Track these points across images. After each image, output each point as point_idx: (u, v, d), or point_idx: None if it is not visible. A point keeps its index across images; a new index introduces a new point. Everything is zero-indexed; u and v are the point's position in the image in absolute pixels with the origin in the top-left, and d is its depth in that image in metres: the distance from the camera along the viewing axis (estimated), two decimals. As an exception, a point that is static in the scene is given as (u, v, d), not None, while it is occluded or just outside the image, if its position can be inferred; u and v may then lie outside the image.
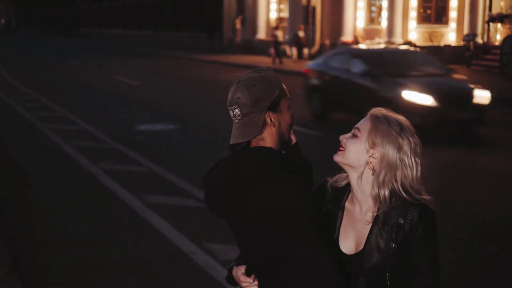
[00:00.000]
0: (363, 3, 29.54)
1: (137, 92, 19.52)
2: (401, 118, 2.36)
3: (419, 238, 2.28)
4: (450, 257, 5.94)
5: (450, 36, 27.10)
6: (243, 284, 2.41)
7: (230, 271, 2.50)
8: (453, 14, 27.06)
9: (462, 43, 25.51)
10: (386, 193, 2.29)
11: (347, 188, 2.43)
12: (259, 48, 35.42)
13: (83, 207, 7.72)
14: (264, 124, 2.37)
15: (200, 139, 11.88)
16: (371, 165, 2.32)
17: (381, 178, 2.30)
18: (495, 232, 6.79)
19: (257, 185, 2.29)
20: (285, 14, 35.65)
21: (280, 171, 2.29)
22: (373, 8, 29.74)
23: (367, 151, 2.32)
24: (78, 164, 9.82)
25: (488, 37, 25.65)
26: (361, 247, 2.34)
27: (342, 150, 2.37)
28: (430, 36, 27.26)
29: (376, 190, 2.31)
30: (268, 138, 2.39)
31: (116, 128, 12.98)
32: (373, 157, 2.32)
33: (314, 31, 29.43)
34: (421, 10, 27.88)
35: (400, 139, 2.30)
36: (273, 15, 36.89)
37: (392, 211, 2.30)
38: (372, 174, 2.32)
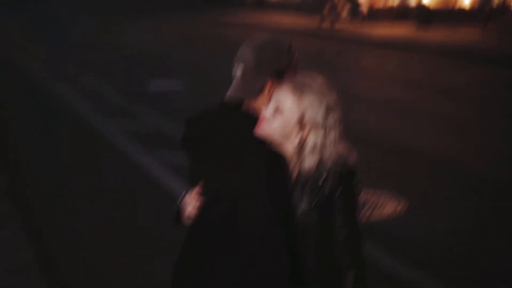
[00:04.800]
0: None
1: (149, 50, 19.32)
2: (320, 79, 2.32)
3: (338, 198, 2.29)
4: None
5: (465, -2, 26.62)
6: (188, 200, 2.39)
7: (177, 209, 2.47)
8: (468, -25, 26.54)
9: (477, 5, 25.07)
10: (313, 164, 2.28)
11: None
12: (273, 4, 34.82)
13: (91, 168, 7.60)
14: (261, 90, 2.31)
15: (206, 96, 11.72)
16: (301, 141, 2.30)
17: (309, 152, 2.28)
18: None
19: (226, 147, 2.29)
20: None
21: (249, 142, 2.27)
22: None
23: (296, 127, 2.29)
24: (88, 122, 9.70)
25: (504, -1, 25.18)
26: None
27: (266, 125, 2.29)
28: (445, -2, 26.79)
29: (305, 163, 2.29)
30: (260, 108, 2.33)
31: (127, 85, 12.82)
32: (304, 132, 2.29)
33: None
34: (436, -28, 27.33)
35: (326, 108, 2.27)
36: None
37: (315, 171, 2.29)
38: (298, 143, 2.30)
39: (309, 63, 17.08)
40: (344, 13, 25.89)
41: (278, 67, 2.31)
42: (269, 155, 2.32)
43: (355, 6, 26.15)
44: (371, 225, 5.55)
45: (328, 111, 2.27)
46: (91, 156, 7.95)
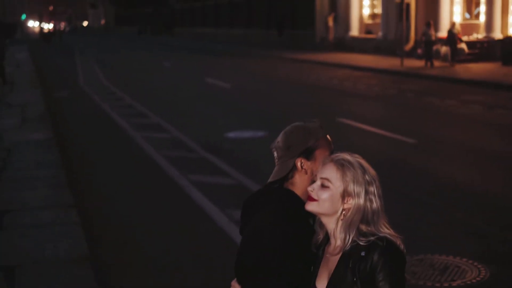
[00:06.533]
0: (460, -4, 28.44)
1: (228, 95, 19.58)
2: (358, 157, 2.45)
3: (381, 273, 2.31)
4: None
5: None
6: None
7: None
8: (558, 6, 25.60)
9: None
10: (352, 235, 2.38)
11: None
12: (352, 45, 34.92)
13: (169, 222, 7.69)
14: (294, 169, 2.57)
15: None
16: (345, 211, 2.41)
17: (349, 222, 2.38)
18: None
19: (266, 219, 2.51)
20: (378, 10, 34.93)
21: (287, 216, 2.49)
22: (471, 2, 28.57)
23: (341, 199, 2.40)
24: (167, 176, 9.85)
25: None
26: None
27: (315, 201, 2.42)
28: (532, 30, 25.90)
29: (344, 234, 2.40)
30: (298, 184, 2.58)
31: (206, 135, 12.98)
32: (347, 204, 2.40)
33: (408, 28, 28.55)
34: (522, 3, 26.53)
35: (367, 181, 2.39)
36: (366, 11, 36.24)
37: (357, 245, 2.36)
38: (342, 219, 2.41)
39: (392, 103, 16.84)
40: (443, 51, 24.66)
41: (306, 146, 2.57)
42: (309, 227, 2.51)
43: (454, 44, 24.39)
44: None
45: (368, 185, 2.39)
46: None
